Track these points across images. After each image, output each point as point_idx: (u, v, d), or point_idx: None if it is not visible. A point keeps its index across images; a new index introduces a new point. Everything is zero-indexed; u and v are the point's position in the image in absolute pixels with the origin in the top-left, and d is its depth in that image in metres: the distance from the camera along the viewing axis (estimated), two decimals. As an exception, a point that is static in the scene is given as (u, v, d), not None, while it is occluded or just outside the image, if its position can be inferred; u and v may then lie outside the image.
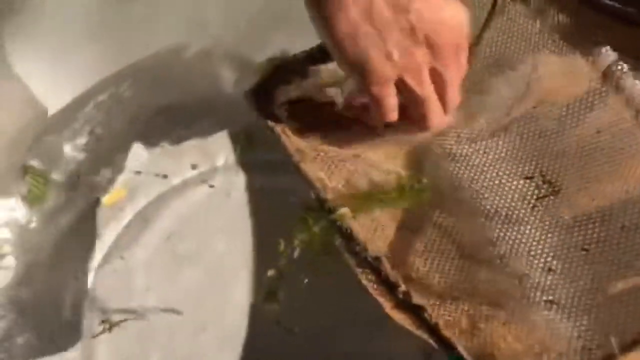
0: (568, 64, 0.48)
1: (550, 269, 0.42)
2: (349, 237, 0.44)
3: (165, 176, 0.86)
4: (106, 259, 0.80)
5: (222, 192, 0.85)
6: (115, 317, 0.77)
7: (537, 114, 0.48)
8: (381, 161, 0.52)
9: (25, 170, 0.80)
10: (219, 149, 0.87)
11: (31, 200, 0.80)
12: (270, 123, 0.51)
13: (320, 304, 0.77)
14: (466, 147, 0.49)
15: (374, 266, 0.42)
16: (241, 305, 0.79)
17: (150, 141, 0.86)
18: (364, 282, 0.42)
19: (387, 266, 0.41)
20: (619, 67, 0.47)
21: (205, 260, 0.81)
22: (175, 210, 0.84)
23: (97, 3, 0.83)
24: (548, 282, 0.42)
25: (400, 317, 0.41)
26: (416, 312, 0.40)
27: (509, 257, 0.44)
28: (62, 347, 0.75)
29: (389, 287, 0.41)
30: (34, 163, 0.82)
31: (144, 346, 0.76)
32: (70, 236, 0.81)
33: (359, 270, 0.43)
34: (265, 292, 0.73)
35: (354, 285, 0.48)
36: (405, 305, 0.41)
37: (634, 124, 0.45)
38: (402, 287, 0.40)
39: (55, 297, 0.78)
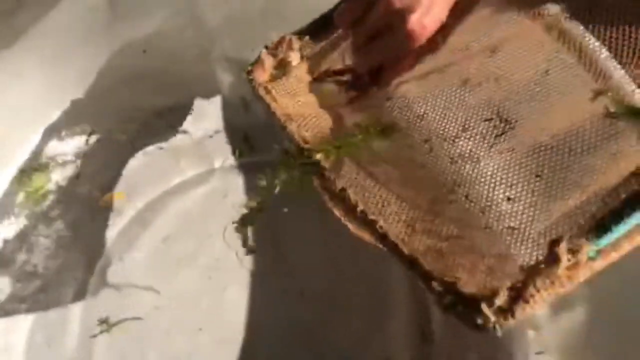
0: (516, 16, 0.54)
1: (509, 198, 0.47)
2: (321, 175, 0.51)
3: (163, 178, 0.87)
4: (105, 260, 0.82)
5: (219, 194, 0.86)
6: (114, 318, 0.78)
7: (493, 62, 0.53)
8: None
9: (24, 171, 0.81)
10: (217, 151, 0.88)
11: (30, 201, 0.81)
12: (261, 91, 0.57)
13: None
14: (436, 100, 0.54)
15: (340, 197, 0.49)
16: (237, 305, 0.80)
17: (148, 143, 0.86)
18: (335, 211, 0.50)
19: (351, 196, 0.48)
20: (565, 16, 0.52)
21: (202, 261, 0.82)
22: (173, 211, 0.85)
23: (96, 5, 0.84)
24: (508, 211, 0.46)
25: (361, 234, 0.49)
26: (372, 226, 0.47)
27: (472, 194, 0.48)
28: (61, 347, 0.77)
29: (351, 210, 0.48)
30: (34, 163, 0.83)
31: (142, 346, 0.78)
32: (68, 238, 0.82)
33: (331, 203, 0.50)
34: (240, 218, 0.74)
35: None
36: (364, 222, 0.48)
37: (576, 63, 0.50)
38: (360, 207, 0.47)
39: (56, 298, 0.79)
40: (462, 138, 0.50)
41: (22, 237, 0.81)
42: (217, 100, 0.88)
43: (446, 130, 0.52)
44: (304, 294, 0.80)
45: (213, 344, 0.78)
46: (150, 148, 0.87)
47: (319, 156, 0.52)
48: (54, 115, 0.85)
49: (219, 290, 0.81)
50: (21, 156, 0.83)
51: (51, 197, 0.82)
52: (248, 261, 0.83)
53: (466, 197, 0.49)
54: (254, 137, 0.88)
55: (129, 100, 0.86)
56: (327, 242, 0.82)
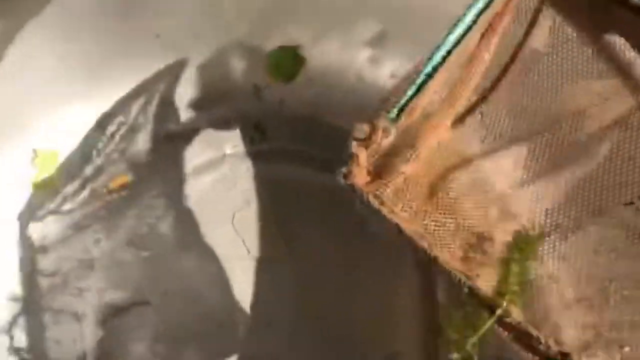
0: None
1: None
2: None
3: (173, 163, 0.86)
4: (114, 248, 0.81)
5: (228, 181, 0.86)
6: (121, 304, 0.78)
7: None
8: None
9: (36, 153, 0.81)
10: (228, 137, 0.88)
11: (41, 184, 0.81)
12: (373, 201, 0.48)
13: None
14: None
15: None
16: (245, 293, 0.80)
17: (159, 127, 0.86)
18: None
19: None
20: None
21: (210, 249, 0.82)
22: (182, 197, 0.85)
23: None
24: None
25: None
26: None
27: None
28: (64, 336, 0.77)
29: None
30: (44, 145, 0.82)
31: (148, 331, 0.78)
32: (77, 222, 0.81)
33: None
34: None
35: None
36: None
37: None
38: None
39: (63, 282, 0.79)
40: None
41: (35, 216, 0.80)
42: (229, 87, 0.87)
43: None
44: (312, 286, 0.81)
45: (220, 330, 0.79)
46: (160, 132, 0.86)
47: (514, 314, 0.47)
48: (65, 95, 0.84)
49: (226, 278, 0.81)
50: (33, 136, 0.82)
51: (61, 181, 0.82)
52: (256, 250, 0.83)
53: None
54: (266, 124, 0.88)
55: (141, 83, 0.85)
56: (339, 233, 0.83)
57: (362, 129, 0.48)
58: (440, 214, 0.49)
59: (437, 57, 0.49)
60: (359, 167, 0.48)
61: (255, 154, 0.87)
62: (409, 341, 0.77)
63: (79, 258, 0.78)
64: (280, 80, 0.86)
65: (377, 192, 0.48)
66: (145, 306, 0.78)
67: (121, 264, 0.79)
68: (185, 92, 0.86)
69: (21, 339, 0.74)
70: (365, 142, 0.47)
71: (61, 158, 0.83)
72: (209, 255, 0.82)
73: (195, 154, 0.87)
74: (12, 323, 0.74)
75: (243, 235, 0.83)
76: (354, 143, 0.48)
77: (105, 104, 0.85)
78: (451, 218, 0.49)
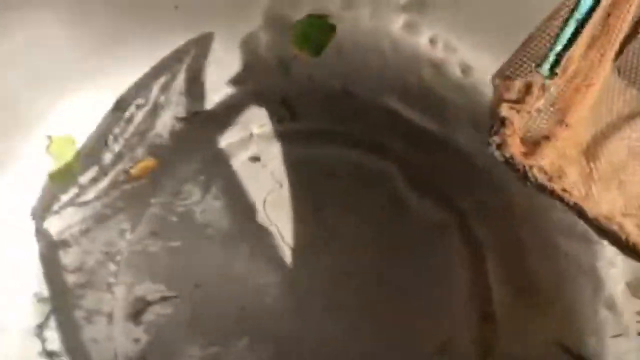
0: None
1: None
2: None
3: (197, 145, 0.80)
4: (140, 239, 0.76)
5: (257, 163, 0.80)
6: (152, 299, 0.73)
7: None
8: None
9: (50, 139, 0.75)
10: (254, 116, 0.81)
11: (57, 174, 0.75)
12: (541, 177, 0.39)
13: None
14: None
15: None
16: (280, 283, 0.75)
17: (180, 108, 0.80)
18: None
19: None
20: None
21: (241, 237, 0.76)
22: (208, 182, 0.79)
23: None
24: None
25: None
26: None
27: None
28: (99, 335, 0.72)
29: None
30: (59, 131, 0.76)
31: (180, 326, 0.73)
32: (98, 213, 0.76)
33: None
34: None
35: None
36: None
37: None
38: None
39: (89, 278, 0.74)
40: None
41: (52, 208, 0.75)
42: (253, 62, 0.80)
43: None
44: (351, 272, 0.75)
45: (256, 323, 0.73)
46: (182, 113, 0.80)
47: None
48: (80, 77, 0.78)
49: (259, 267, 0.75)
50: (47, 122, 0.76)
51: (79, 168, 0.76)
52: (289, 236, 0.77)
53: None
54: (294, 101, 0.82)
55: (160, 61, 0.79)
56: (376, 215, 0.77)
57: (514, 88, 0.40)
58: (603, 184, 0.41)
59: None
60: (513, 135, 0.39)
61: (285, 133, 0.81)
62: (462, 327, 0.71)
63: (104, 251, 0.72)
64: (308, 53, 0.80)
65: (540, 165, 0.39)
66: (177, 299, 0.73)
67: (149, 255, 0.73)
68: (207, 69, 0.80)
69: (54, 341, 0.69)
70: (518, 103, 0.39)
71: (78, 145, 0.77)
72: (240, 243, 0.76)
73: (220, 136, 0.81)
74: (43, 325, 0.69)
75: (275, 220, 0.77)
76: (505, 106, 0.39)
77: (122, 85, 0.78)
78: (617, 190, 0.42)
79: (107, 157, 0.77)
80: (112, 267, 0.72)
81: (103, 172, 0.75)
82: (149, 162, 0.79)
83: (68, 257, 0.70)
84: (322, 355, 0.71)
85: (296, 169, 0.79)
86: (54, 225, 0.71)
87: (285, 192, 0.78)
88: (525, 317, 0.70)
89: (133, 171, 0.78)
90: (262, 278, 0.75)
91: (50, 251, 0.70)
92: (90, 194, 0.74)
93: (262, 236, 0.77)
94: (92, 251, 0.72)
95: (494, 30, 0.75)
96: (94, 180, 0.74)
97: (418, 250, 0.74)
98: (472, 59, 0.78)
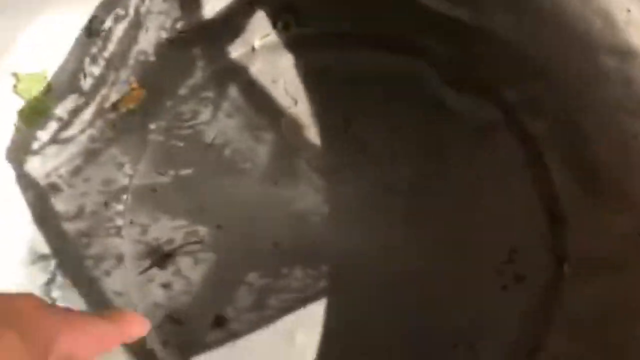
0: None
1: None
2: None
3: (189, 69, 0.68)
4: (140, 179, 0.64)
5: (266, 79, 0.68)
6: (170, 242, 0.62)
7: None
8: None
9: (17, 77, 0.61)
10: (254, 26, 0.69)
11: (27, 112, 0.62)
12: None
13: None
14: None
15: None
16: (312, 213, 0.64)
17: (168, 20, 0.67)
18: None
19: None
20: None
21: (261, 165, 0.65)
22: (211, 109, 0.67)
23: None
24: None
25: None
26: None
27: None
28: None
29: None
30: (27, 67, 0.62)
31: (201, 273, 0.62)
32: (86, 148, 0.63)
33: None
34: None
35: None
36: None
37: None
38: None
39: (92, 224, 0.61)
40: None
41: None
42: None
43: None
44: (393, 188, 0.65)
45: (288, 258, 0.63)
46: (170, 27, 0.67)
47: None
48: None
49: (286, 197, 0.64)
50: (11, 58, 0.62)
51: (54, 106, 0.63)
52: (317, 157, 0.66)
53: None
54: (298, 3, 0.70)
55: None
56: (413, 121, 0.66)
57: None
58: None
59: None
60: None
61: (292, 42, 0.69)
62: (529, 233, 0.62)
63: (103, 190, 0.60)
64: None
65: None
66: (200, 245, 0.61)
67: (159, 190, 0.61)
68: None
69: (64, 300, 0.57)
70: None
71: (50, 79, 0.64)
72: (259, 174, 0.65)
73: (216, 55, 0.68)
74: (50, 283, 0.57)
75: (296, 143, 0.66)
76: None
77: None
78: None
79: (86, 85, 0.64)
80: (117, 207, 0.60)
81: (85, 101, 0.62)
82: (137, 91, 0.66)
83: (62, 204, 0.58)
84: (381, 272, 0.62)
85: (312, 81, 0.68)
86: (37, 169, 0.58)
87: (303, 108, 0.67)
88: (598, 213, 0.61)
89: (121, 102, 0.65)
90: (293, 207, 0.64)
91: (40, 199, 0.57)
92: (73, 128, 0.60)
93: (284, 164, 0.66)
94: (89, 192, 0.59)
95: None
96: (75, 112, 0.61)
97: (466, 155, 0.65)
98: None
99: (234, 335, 0.61)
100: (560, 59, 0.66)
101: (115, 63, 0.63)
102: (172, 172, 0.62)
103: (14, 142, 0.59)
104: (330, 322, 0.61)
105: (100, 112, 0.62)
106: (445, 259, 0.61)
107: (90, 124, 0.61)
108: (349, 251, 0.62)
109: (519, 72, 0.67)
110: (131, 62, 0.64)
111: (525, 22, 0.68)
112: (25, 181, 0.57)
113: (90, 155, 0.60)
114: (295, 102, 0.68)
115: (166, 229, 0.61)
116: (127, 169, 0.61)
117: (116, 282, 0.58)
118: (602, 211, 0.62)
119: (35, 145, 0.58)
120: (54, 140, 0.59)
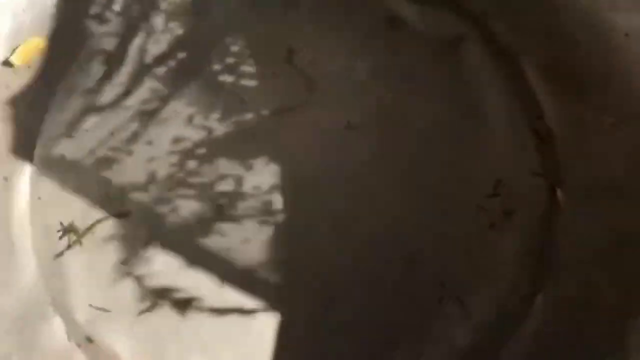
0: None
1: None
2: None
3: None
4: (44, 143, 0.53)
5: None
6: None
7: None
8: None
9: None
10: None
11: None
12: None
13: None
14: None
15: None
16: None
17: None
18: None
19: None
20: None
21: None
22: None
23: None
24: None
25: None
26: None
27: None
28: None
29: None
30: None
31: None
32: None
33: None
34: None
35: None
36: None
37: None
38: None
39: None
40: None
41: None
42: None
43: None
44: (364, 124, 0.54)
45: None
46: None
47: None
48: None
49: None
50: None
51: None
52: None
53: None
54: None
55: None
56: (372, 45, 0.56)
57: None
58: None
59: None
60: None
61: None
62: (514, 160, 0.53)
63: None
64: None
65: None
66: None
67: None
68: None
69: None
70: None
71: None
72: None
73: None
74: None
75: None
76: None
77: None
78: None
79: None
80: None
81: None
82: (33, 41, 0.55)
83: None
84: (368, 211, 0.52)
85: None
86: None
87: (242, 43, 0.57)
88: (589, 127, 0.52)
89: (13, 58, 0.54)
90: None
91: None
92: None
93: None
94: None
95: None
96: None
97: (436, 80, 0.55)
98: None
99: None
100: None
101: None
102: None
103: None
104: (311, 281, 0.52)
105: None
106: (424, 204, 0.52)
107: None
108: (319, 208, 0.52)
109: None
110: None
111: None
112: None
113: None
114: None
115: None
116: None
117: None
118: (595, 125, 0.53)
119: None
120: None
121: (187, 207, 0.52)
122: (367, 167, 0.53)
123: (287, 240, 0.52)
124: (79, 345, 0.50)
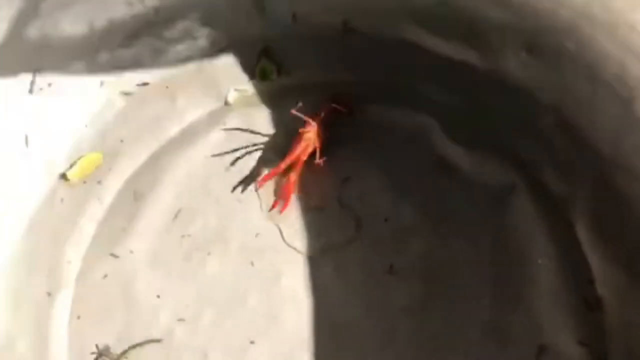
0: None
1: None
2: None
3: (155, 128, 0.58)
4: (87, 260, 0.54)
5: (237, 137, 0.58)
6: (116, 348, 0.51)
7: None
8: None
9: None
10: (228, 76, 0.59)
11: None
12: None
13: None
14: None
15: None
16: (298, 299, 0.53)
17: (125, 77, 0.58)
18: None
19: None
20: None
21: (236, 242, 0.55)
22: (179, 176, 0.57)
23: None
24: None
25: None
26: None
27: None
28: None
29: None
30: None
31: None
32: (29, 236, 0.54)
33: None
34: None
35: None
36: None
37: None
38: None
39: (25, 331, 0.52)
40: None
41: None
42: (219, 3, 0.58)
43: None
44: (399, 269, 0.54)
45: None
46: (129, 84, 0.58)
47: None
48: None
49: (269, 280, 0.54)
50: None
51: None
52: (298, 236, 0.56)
53: None
54: (279, 50, 0.60)
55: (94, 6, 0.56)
56: (419, 186, 0.56)
57: None
58: None
59: None
60: None
61: (272, 94, 0.60)
62: (560, 323, 0.51)
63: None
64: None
65: None
66: (154, 345, 0.51)
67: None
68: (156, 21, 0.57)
69: None
70: None
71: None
72: (235, 253, 0.55)
73: (183, 110, 0.59)
74: None
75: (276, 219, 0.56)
76: None
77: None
78: None
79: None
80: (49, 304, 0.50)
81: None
82: (93, 157, 0.57)
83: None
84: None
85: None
86: None
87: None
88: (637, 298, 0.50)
89: (70, 173, 0.56)
90: (274, 295, 0.54)
91: None
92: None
93: (264, 237, 0.55)
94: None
95: None
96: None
97: (479, 226, 0.54)
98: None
99: None
100: (585, 107, 0.56)
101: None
102: (126, 249, 0.52)
103: None
104: None
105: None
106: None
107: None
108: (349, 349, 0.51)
109: (537, 123, 0.57)
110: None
111: (543, 64, 0.58)
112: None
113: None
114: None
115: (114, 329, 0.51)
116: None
117: None
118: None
119: None
120: None
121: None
122: (404, 314, 0.52)
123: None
124: None
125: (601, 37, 0.55)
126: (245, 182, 0.57)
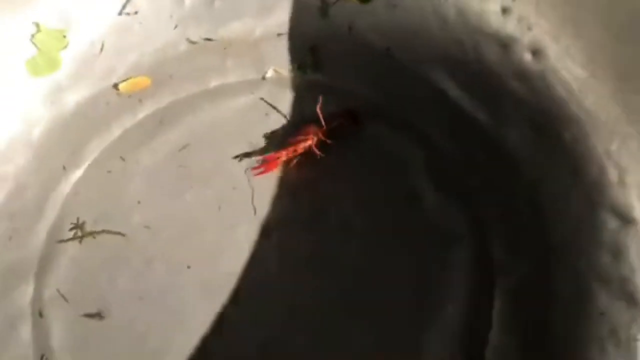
0: None
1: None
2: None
3: (201, 75, 0.69)
4: (104, 154, 0.66)
5: (260, 110, 0.67)
6: (91, 226, 0.63)
7: None
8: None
9: (38, 27, 0.66)
10: (273, 57, 0.69)
11: (38, 67, 0.66)
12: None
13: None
14: None
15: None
16: (242, 248, 0.61)
17: (193, 28, 0.69)
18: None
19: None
20: None
21: (216, 186, 0.64)
22: (201, 118, 0.67)
23: None
24: None
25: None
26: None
27: None
28: (22, 245, 0.62)
29: None
30: (48, 20, 0.67)
31: (112, 268, 0.62)
32: (71, 119, 0.67)
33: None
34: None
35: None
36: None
37: None
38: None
39: (37, 185, 0.65)
40: None
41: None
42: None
43: None
44: (335, 259, 0.60)
45: (199, 288, 0.61)
46: (196, 35, 0.69)
47: None
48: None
49: (226, 225, 0.62)
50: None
51: (63, 67, 0.67)
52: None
53: None
54: (324, 51, 0.68)
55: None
56: (388, 205, 0.62)
57: None
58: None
59: None
60: None
61: (302, 84, 0.68)
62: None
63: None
64: (355, -5, 0.66)
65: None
66: (116, 237, 0.61)
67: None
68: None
69: None
70: None
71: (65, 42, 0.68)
72: (211, 194, 0.64)
73: (228, 70, 0.69)
74: None
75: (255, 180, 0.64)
76: None
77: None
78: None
79: (100, 60, 0.68)
80: (65, 179, 0.63)
81: (90, 75, 0.66)
82: (142, 80, 0.69)
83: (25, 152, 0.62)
84: None
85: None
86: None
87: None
88: None
89: (123, 85, 0.68)
90: (226, 238, 0.62)
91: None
92: (68, 97, 0.65)
93: (239, 191, 0.64)
94: (52, 157, 0.63)
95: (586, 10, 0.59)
96: (78, 81, 0.66)
97: (422, 252, 0.59)
98: (549, 41, 0.61)
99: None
100: (560, 200, 0.58)
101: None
102: (134, 157, 0.64)
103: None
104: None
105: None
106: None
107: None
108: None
109: (511, 193, 0.60)
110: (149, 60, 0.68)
111: (541, 146, 0.61)
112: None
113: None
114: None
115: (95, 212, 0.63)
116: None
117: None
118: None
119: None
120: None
121: None
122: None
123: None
124: None
125: (594, 138, 0.58)
126: (247, 154, 0.66)
